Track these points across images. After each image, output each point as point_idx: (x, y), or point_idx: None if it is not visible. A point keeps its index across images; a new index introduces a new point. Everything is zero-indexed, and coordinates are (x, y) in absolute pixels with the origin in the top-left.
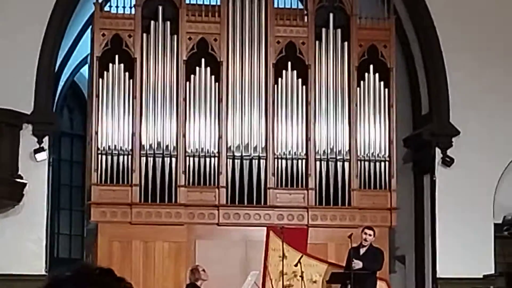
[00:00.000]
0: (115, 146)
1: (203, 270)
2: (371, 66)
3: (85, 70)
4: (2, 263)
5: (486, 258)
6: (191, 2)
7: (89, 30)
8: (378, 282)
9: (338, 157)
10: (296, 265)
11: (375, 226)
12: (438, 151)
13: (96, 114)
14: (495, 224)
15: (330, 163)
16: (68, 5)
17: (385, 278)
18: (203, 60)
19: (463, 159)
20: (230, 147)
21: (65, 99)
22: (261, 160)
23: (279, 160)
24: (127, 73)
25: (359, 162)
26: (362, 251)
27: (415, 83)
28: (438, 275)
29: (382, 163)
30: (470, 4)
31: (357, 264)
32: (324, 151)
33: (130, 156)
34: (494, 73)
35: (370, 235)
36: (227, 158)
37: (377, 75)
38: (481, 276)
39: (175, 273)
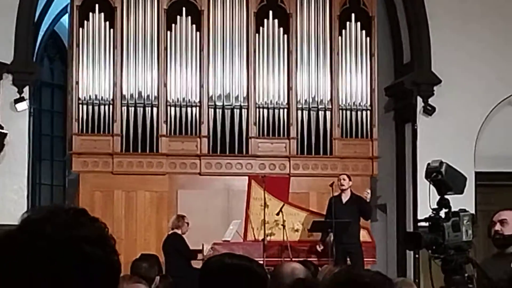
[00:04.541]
0: (95, 96)
1: (187, 223)
2: (353, 15)
3: (65, 19)
4: None
5: (468, 206)
6: None
7: None
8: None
9: (319, 106)
10: (278, 214)
11: (356, 175)
12: (419, 99)
13: (76, 64)
14: (476, 173)
15: (311, 112)
16: None
17: (366, 227)
18: (184, 9)
19: (445, 107)
20: (211, 96)
21: (46, 49)
22: (243, 110)
23: (261, 110)
24: (107, 23)
25: (340, 111)
26: (344, 199)
27: (397, 32)
28: (419, 224)
29: (364, 112)
30: None
31: (368, 193)
32: (305, 100)
33: (111, 106)
34: (475, 22)
35: (344, 179)
36: (208, 108)
37: (358, 24)
38: None
39: (157, 222)
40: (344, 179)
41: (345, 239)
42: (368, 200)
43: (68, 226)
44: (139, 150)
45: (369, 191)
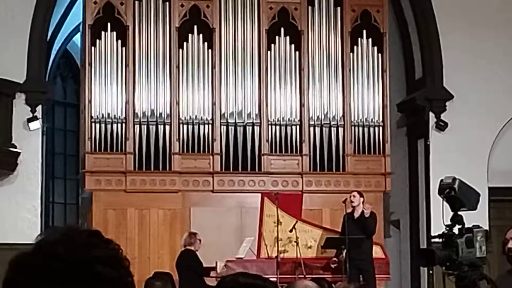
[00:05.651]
0: (108, 114)
1: (200, 240)
2: (364, 31)
3: (77, 38)
4: None
5: (481, 222)
6: None
7: None
8: (373, 247)
9: (332, 123)
10: (291, 231)
11: (369, 191)
12: (432, 115)
13: (89, 83)
14: (489, 188)
15: (324, 128)
16: None
17: (380, 243)
18: (195, 27)
19: (457, 123)
20: (224, 114)
21: (58, 68)
22: (255, 127)
23: (273, 127)
24: (119, 41)
25: (353, 128)
26: (356, 215)
27: (409, 48)
28: (432, 240)
29: (376, 128)
30: None
31: (368, 208)
32: (318, 117)
33: (123, 124)
34: (487, 37)
35: (354, 196)
36: (221, 125)
37: (370, 40)
38: None
39: (170, 240)
40: (354, 196)
41: (356, 256)
42: (366, 215)
43: (81, 247)
44: (152, 168)
45: (368, 205)
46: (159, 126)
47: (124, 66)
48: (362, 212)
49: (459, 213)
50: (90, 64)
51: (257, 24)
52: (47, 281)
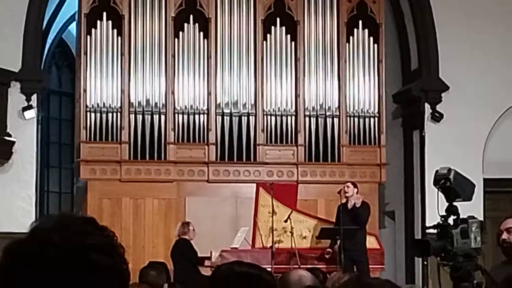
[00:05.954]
0: (103, 103)
1: (193, 229)
2: (360, 22)
3: (73, 27)
4: None
5: (476, 213)
6: None
7: None
8: (368, 237)
9: (327, 113)
10: (286, 221)
11: (364, 182)
12: (427, 106)
13: (84, 72)
14: (484, 179)
15: (319, 119)
16: None
17: (375, 233)
18: (191, 16)
19: (453, 114)
20: (219, 103)
21: (53, 57)
22: (251, 117)
23: (269, 117)
24: (115, 30)
25: (348, 118)
26: (349, 205)
27: (404, 39)
28: (427, 231)
29: (372, 119)
30: None
31: (358, 198)
32: (313, 107)
33: (119, 114)
34: (484, 28)
35: (348, 186)
36: (216, 115)
37: (366, 30)
38: None
39: (165, 230)
40: (348, 187)
41: (350, 246)
42: (357, 206)
43: (76, 235)
44: (147, 158)
45: (358, 196)
46: (154, 115)
47: (120, 56)
48: (355, 202)
49: (454, 203)
50: (85, 53)
51: (253, 14)
52: (42, 268)
